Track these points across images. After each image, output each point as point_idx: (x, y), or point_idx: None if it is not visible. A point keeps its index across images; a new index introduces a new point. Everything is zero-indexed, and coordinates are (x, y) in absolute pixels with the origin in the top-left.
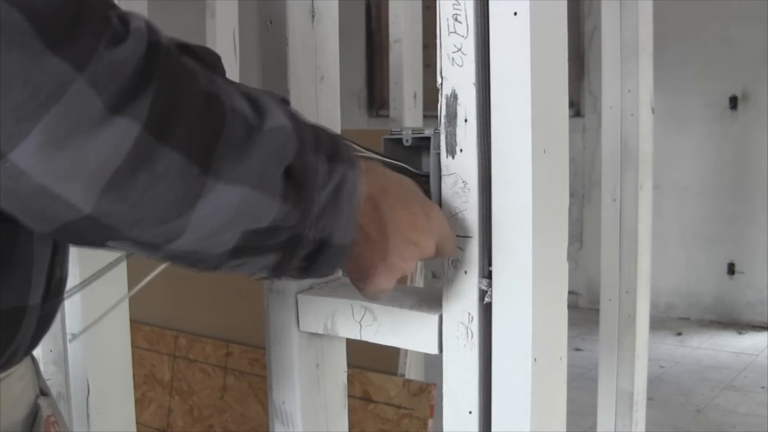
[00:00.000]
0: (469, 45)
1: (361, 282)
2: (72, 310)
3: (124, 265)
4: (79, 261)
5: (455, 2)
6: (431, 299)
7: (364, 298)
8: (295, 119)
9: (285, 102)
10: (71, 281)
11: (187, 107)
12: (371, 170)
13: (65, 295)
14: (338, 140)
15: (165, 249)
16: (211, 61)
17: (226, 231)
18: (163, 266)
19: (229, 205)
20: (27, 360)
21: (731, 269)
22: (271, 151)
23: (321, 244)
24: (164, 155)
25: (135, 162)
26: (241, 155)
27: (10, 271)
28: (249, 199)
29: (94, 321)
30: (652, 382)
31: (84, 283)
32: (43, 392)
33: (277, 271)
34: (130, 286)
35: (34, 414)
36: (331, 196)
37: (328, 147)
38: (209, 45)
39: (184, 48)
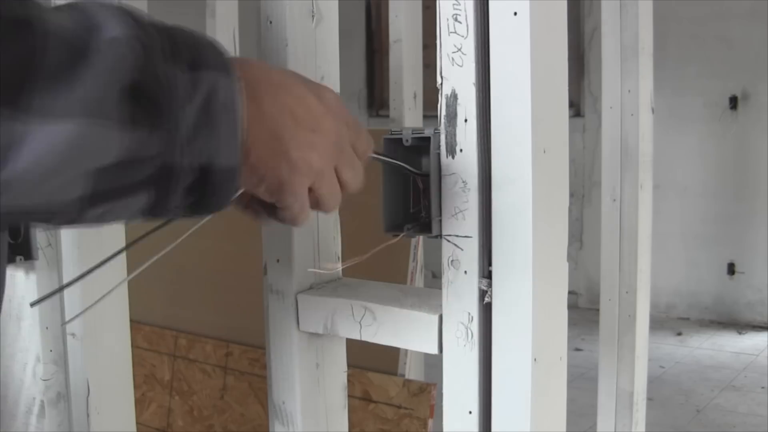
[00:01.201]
0: (469, 45)
1: (274, 195)
2: (71, 306)
3: (123, 258)
4: (78, 258)
5: (455, 2)
6: (431, 299)
7: (363, 299)
8: (139, 25)
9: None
10: (72, 273)
11: None
12: (242, 62)
13: (65, 287)
14: (203, 42)
15: None
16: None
17: (61, 176)
18: (166, 249)
19: (56, 147)
20: None
21: (731, 269)
22: (103, 71)
23: (203, 172)
24: None
25: None
26: (64, 84)
27: None
28: (81, 134)
29: (91, 305)
30: (652, 382)
31: (82, 276)
32: None
33: (157, 213)
34: (130, 283)
35: None
36: (202, 111)
37: (188, 53)
38: None
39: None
